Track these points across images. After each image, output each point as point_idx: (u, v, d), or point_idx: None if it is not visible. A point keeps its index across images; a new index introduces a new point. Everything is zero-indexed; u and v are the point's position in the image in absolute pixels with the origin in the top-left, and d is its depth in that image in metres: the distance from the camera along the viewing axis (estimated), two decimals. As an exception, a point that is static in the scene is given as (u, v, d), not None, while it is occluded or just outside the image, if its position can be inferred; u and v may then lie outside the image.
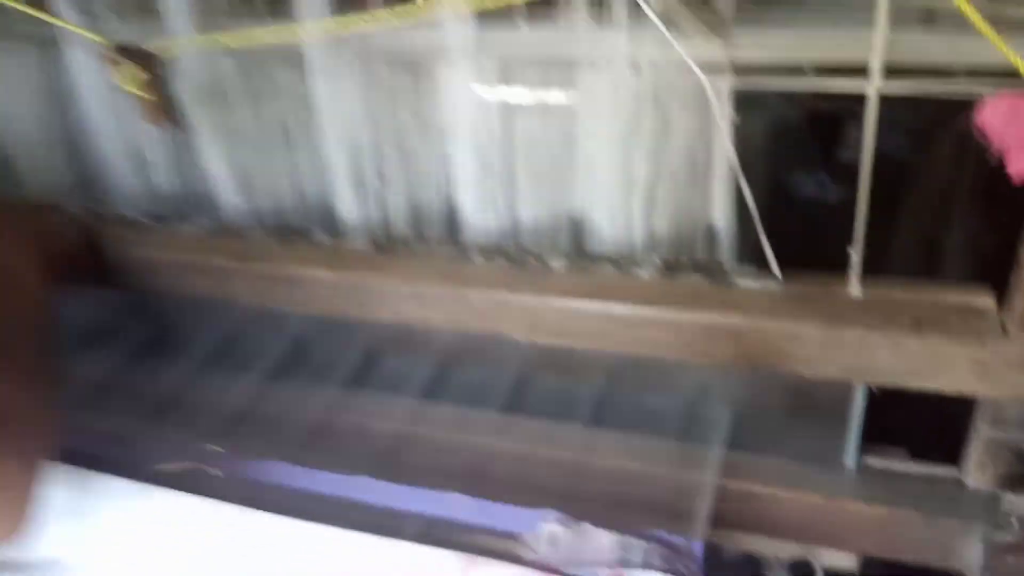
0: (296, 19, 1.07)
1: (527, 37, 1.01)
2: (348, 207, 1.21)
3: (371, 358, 1.25)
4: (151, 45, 1.12)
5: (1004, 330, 0.80)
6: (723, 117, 0.95)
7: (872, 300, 0.88)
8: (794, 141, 1.44)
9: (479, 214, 1.15)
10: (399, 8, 1.00)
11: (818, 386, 0.93)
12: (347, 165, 1.18)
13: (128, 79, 1.06)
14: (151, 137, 1.28)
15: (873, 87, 0.82)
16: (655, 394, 1.13)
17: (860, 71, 0.86)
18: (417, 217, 1.21)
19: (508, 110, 1.08)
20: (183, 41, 1.13)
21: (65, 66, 1.28)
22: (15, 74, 1.33)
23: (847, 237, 0.91)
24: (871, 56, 0.83)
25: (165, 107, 1.14)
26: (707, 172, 1.03)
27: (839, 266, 0.92)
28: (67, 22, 1.16)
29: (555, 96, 1.05)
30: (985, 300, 0.85)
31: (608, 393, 1.15)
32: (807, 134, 1.45)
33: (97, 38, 1.10)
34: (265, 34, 1.07)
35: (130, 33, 1.16)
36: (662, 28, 0.87)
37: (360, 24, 1.01)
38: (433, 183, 1.18)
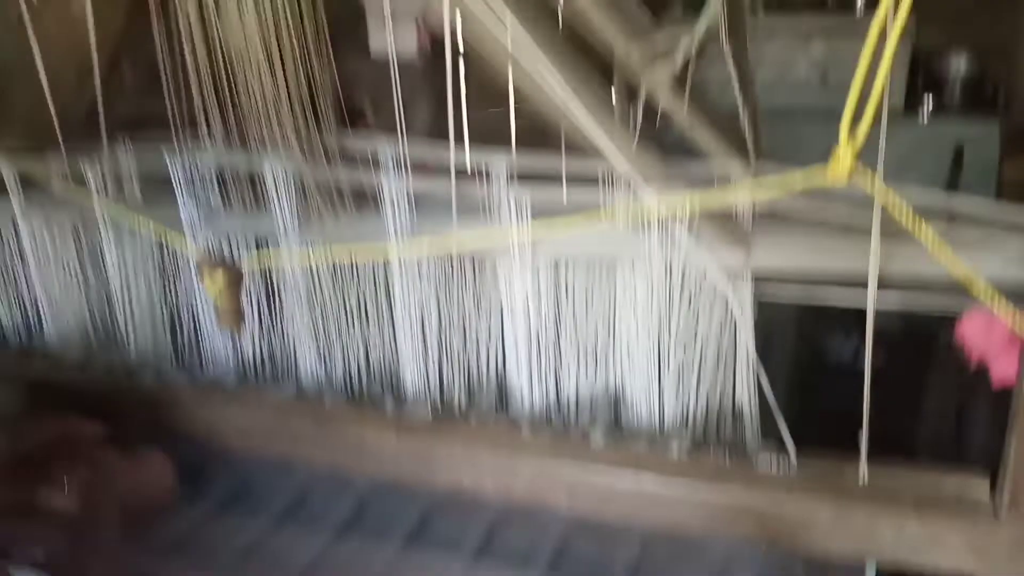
0: (383, 220, 1.27)
1: (576, 237, 1.19)
2: (412, 377, 1.36)
3: (425, 520, 1.36)
4: (239, 261, 1.31)
5: (995, 514, 0.89)
6: (744, 315, 1.10)
7: (877, 483, 0.98)
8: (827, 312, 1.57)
9: (528, 387, 1.29)
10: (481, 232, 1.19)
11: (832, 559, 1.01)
12: (414, 340, 1.35)
13: (213, 287, 1.24)
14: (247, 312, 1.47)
15: (870, 300, 0.97)
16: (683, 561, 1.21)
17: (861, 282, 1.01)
18: (472, 387, 1.36)
19: (558, 298, 1.24)
20: (284, 255, 1.33)
21: (178, 251, 1.50)
22: (134, 257, 1.56)
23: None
24: (869, 271, 0.98)
25: (239, 314, 1.31)
26: (732, 358, 1.17)
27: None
28: (168, 230, 1.39)
29: (599, 288, 1.22)
30: (980, 484, 0.95)
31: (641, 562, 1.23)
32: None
33: (194, 250, 1.29)
34: (357, 251, 1.26)
35: (239, 223, 1.38)
36: (692, 239, 1.03)
37: (444, 245, 1.20)
38: (488, 358, 1.34)
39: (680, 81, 1.07)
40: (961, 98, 3.53)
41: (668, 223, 1.09)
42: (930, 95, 3.56)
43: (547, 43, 1.13)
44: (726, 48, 1.02)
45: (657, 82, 1.07)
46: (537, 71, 1.08)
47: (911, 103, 3.54)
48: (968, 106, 3.41)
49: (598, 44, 1.14)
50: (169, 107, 1.47)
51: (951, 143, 3.22)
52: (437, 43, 3.00)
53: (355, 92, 2.11)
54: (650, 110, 1.13)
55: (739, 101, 1.07)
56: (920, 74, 3.64)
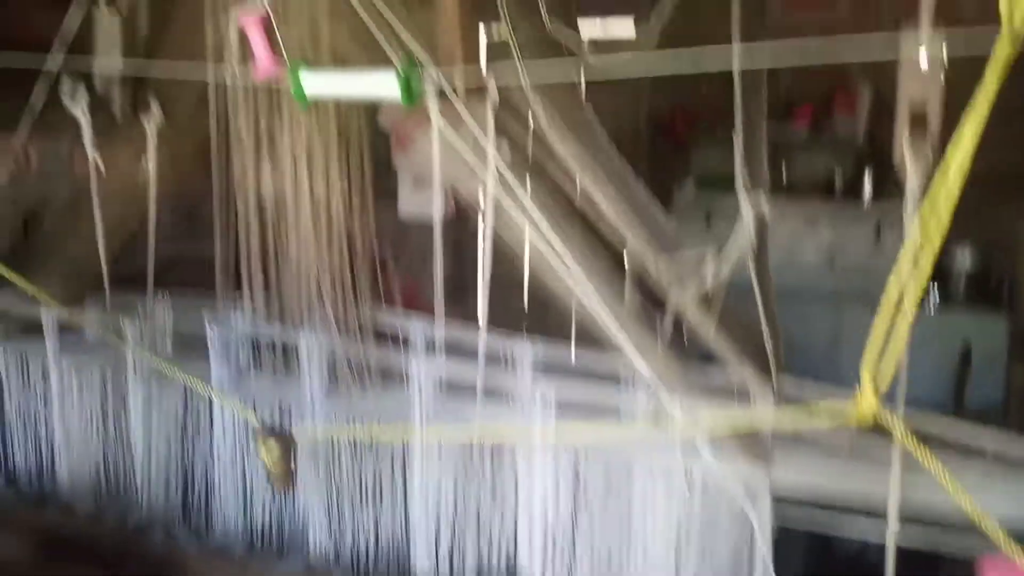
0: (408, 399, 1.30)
1: (597, 436, 1.21)
2: (421, 563, 1.35)
3: None
4: (293, 429, 1.33)
5: None
6: (762, 530, 1.10)
7: None
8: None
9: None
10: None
11: None
12: (426, 523, 1.35)
13: (268, 455, 1.26)
14: (261, 477, 1.48)
15: (890, 535, 0.98)
16: None
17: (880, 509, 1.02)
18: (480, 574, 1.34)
19: (576, 496, 1.25)
20: (320, 430, 1.35)
21: (201, 410, 1.52)
22: (158, 411, 1.58)
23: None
24: (888, 503, 0.99)
25: (292, 477, 1.32)
26: (750, 570, 1.16)
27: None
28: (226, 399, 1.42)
29: (617, 490, 1.23)
30: None
31: None
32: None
33: (254, 420, 1.32)
34: (384, 431, 1.29)
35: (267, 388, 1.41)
36: (713, 452, 1.05)
37: (466, 435, 1.23)
38: (499, 548, 1.33)
39: (707, 298, 1.13)
40: (966, 292, 3.62)
41: (690, 433, 1.11)
42: (935, 287, 3.65)
43: (580, 250, 1.20)
44: (752, 272, 1.08)
45: (685, 298, 1.12)
46: (568, 273, 1.15)
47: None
48: (974, 300, 3.49)
49: (629, 254, 1.21)
50: (216, 271, 1.55)
51: (957, 337, 3.28)
52: (463, 211, 3.14)
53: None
54: (676, 318, 1.18)
55: (762, 319, 1.12)
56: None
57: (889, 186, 3.74)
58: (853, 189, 3.79)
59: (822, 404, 0.88)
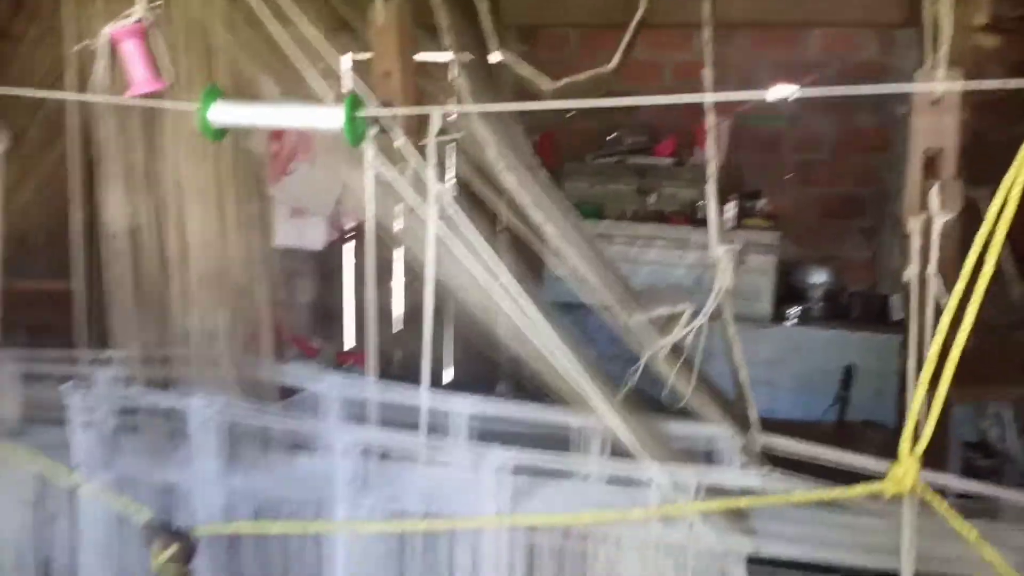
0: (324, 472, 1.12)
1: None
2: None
3: None
4: (190, 527, 1.11)
5: None
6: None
7: None
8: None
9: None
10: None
11: None
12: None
13: (159, 558, 1.04)
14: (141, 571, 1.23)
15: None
16: None
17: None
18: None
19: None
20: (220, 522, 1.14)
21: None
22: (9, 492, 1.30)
23: None
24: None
25: None
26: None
27: None
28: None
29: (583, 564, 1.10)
30: None
31: None
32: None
33: (140, 515, 1.09)
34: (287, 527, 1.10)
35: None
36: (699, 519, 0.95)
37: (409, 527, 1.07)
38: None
39: (678, 354, 1.04)
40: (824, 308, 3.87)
41: (671, 498, 1.01)
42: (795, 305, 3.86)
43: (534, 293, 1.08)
44: (731, 337, 1.01)
45: (657, 354, 1.02)
46: (532, 329, 1.02)
47: (778, 313, 3.82)
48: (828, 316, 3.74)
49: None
50: (80, 320, 1.30)
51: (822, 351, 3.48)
52: (343, 235, 2.95)
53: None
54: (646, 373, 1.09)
55: (737, 372, 1.05)
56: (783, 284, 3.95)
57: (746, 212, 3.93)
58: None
59: (857, 486, 0.79)
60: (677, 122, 3.91)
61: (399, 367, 1.13)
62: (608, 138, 4.36)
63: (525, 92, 1.12)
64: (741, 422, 1.08)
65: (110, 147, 1.22)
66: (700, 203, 4.07)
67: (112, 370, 1.29)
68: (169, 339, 1.30)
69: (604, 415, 1.04)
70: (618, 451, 1.08)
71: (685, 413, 1.10)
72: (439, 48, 1.06)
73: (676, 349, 1.05)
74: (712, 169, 1.02)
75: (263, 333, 1.36)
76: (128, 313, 1.28)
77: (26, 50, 1.25)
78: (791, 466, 1.10)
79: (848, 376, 2.98)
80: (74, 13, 1.14)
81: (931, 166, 0.82)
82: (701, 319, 1.02)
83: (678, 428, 1.12)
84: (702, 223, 3.92)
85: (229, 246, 1.28)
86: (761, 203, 4.15)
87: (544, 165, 3.99)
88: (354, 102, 0.90)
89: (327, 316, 4.18)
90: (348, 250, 3.69)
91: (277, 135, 2.25)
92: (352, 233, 2.74)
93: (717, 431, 1.08)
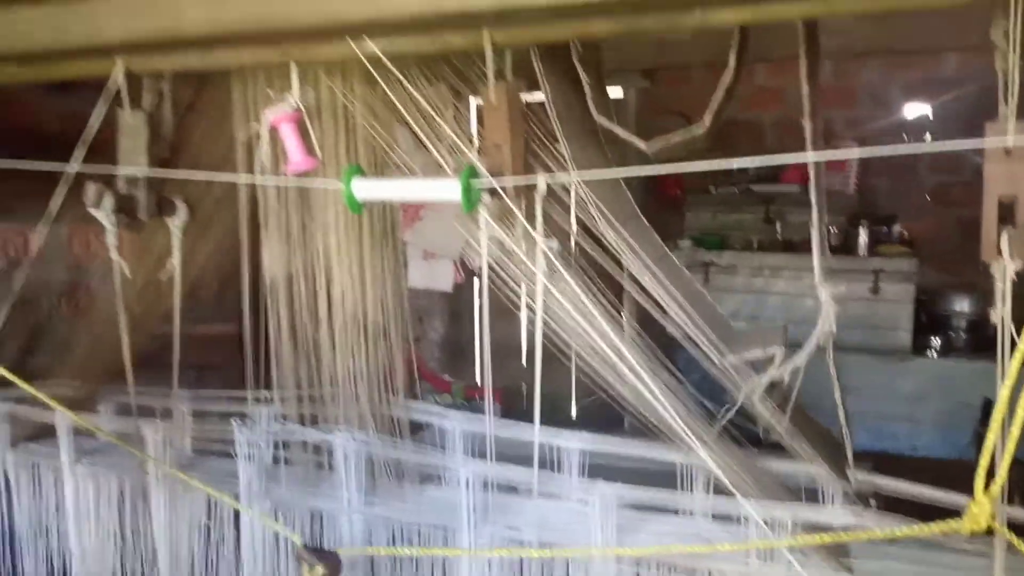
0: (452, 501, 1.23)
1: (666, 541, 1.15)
2: None
3: None
4: (338, 549, 1.25)
5: None
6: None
7: None
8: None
9: None
10: None
11: None
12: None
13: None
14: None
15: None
16: None
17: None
18: None
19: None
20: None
21: (226, 517, 1.45)
22: (181, 520, 1.50)
23: None
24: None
25: None
26: None
27: None
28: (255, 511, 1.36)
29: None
30: None
31: None
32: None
33: (295, 539, 1.25)
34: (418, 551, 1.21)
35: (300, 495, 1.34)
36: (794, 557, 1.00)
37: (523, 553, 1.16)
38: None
39: (778, 393, 1.09)
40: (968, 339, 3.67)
41: (768, 534, 1.06)
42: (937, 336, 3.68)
43: (634, 340, 1.16)
44: (832, 373, 1.05)
45: (754, 393, 1.08)
46: (631, 371, 1.11)
47: (918, 344, 3.66)
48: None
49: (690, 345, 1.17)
50: (245, 368, 1.49)
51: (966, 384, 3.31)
52: (469, 277, 3.13)
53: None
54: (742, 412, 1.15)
55: (841, 416, 1.09)
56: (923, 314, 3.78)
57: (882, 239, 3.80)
58: (849, 245, 3.84)
59: (934, 524, 0.83)
60: (803, 146, 3.85)
61: (529, 399, 1.25)
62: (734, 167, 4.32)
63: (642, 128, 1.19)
64: (840, 461, 1.12)
65: (271, 212, 1.41)
66: (831, 229, 3.98)
67: (271, 408, 1.48)
68: (318, 379, 1.47)
69: (700, 453, 1.10)
70: (722, 487, 1.14)
71: (784, 451, 1.15)
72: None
73: (775, 387, 1.11)
74: (815, 213, 1.07)
75: (398, 371, 1.51)
76: (284, 356, 1.47)
77: (205, 126, 1.46)
78: (899, 504, 1.13)
79: (987, 411, 2.83)
80: (243, 97, 1.34)
81: (1007, 213, 0.85)
82: (799, 361, 1.07)
83: (779, 466, 1.17)
84: (833, 250, 3.84)
85: (369, 293, 1.44)
86: (896, 228, 4.00)
87: (667, 198, 4.03)
88: (470, 174, 1.03)
89: (458, 352, 4.39)
90: (476, 289, 3.88)
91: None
92: (479, 273, 2.90)
93: (817, 469, 1.12)
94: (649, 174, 1.09)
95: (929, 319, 3.84)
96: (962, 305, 3.73)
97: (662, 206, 3.98)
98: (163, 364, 1.54)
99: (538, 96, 1.16)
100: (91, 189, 1.22)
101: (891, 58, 3.78)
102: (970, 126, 0.89)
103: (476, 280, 3.14)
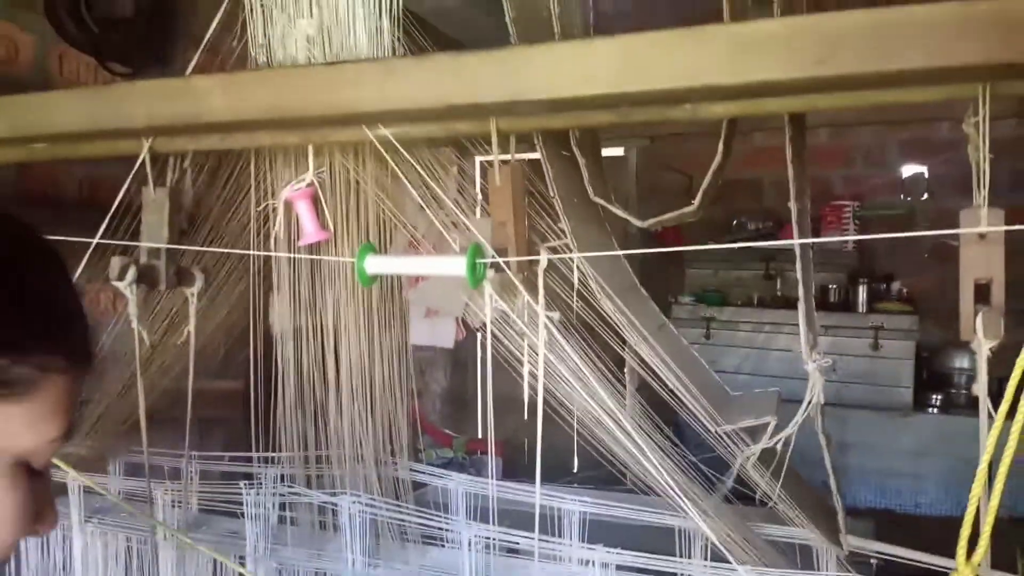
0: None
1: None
2: None
3: None
4: None
5: None
6: None
7: None
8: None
9: None
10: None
11: None
12: None
13: None
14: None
15: None
16: None
17: None
18: None
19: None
20: None
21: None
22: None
23: None
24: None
25: None
26: None
27: None
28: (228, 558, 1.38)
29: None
30: None
31: None
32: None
33: None
34: None
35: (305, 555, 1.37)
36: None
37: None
38: None
39: (771, 460, 1.13)
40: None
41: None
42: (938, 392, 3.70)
43: (632, 406, 1.21)
44: (821, 437, 1.09)
45: (746, 459, 1.12)
46: (626, 436, 1.15)
47: (920, 401, 3.67)
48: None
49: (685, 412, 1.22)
50: (250, 424, 1.53)
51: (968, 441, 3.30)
52: (473, 331, 3.18)
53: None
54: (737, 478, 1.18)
55: (831, 481, 1.12)
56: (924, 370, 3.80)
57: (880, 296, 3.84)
58: (848, 303, 3.89)
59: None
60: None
61: (530, 453, 1.28)
62: (733, 223, 4.40)
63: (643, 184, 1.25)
64: (835, 525, 1.15)
65: (283, 279, 1.47)
66: (831, 286, 4.04)
67: (276, 469, 1.51)
68: (325, 439, 1.51)
69: (698, 522, 1.14)
70: (718, 552, 1.18)
71: (778, 516, 1.19)
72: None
73: (768, 454, 1.15)
74: (801, 289, 1.12)
75: (402, 430, 1.55)
76: (290, 415, 1.51)
77: (223, 199, 1.53)
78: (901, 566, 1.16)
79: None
80: (259, 175, 1.41)
81: (983, 293, 0.90)
82: (789, 430, 1.11)
83: (773, 530, 1.20)
84: (834, 307, 3.90)
85: (375, 353, 1.49)
86: (896, 285, 4.05)
87: (669, 255, 4.04)
88: (475, 252, 1.09)
89: (459, 404, 4.41)
90: (479, 344, 3.91)
91: (414, 247, 2.51)
92: (480, 330, 2.95)
93: (809, 534, 1.15)
94: (647, 252, 1.14)
95: (930, 375, 3.87)
96: (962, 362, 3.76)
97: (663, 262, 4.05)
98: (168, 418, 1.58)
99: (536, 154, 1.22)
100: (116, 263, 1.27)
101: (885, 123, 3.88)
102: (966, 184, 0.94)
103: (478, 334, 3.19)
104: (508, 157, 1.15)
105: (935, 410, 3.71)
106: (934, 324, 3.88)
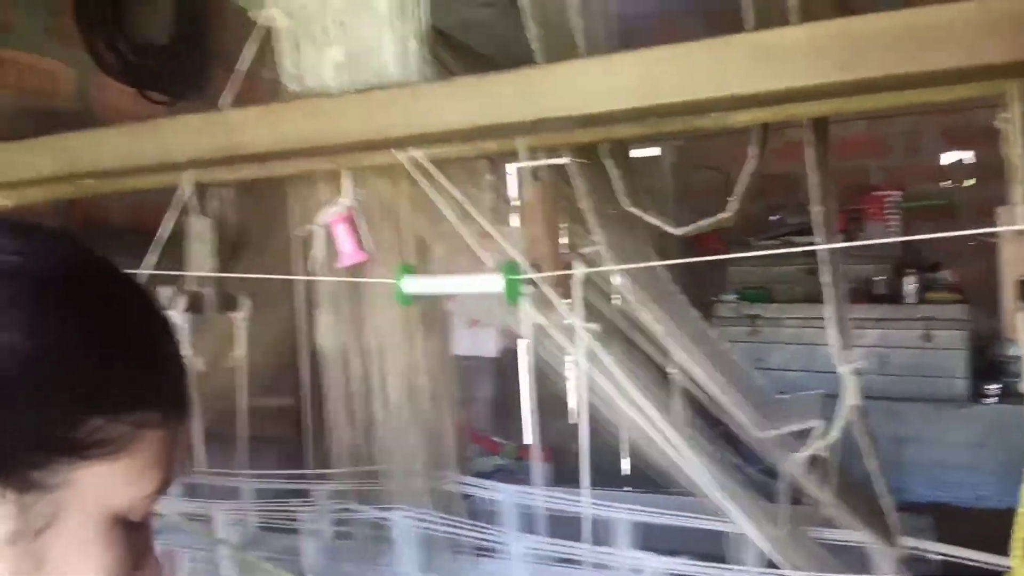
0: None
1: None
2: None
3: None
4: None
5: None
6: None
7: None
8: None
9: None
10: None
11: None
12: None
13: None
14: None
15: None
16: None
17: None
18: None
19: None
20: None
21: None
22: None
23: None
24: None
25: None
26: None
27: None
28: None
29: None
30: None
31: None
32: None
33: None
34: None
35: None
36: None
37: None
38: None
39: (819, 464, 1.12)
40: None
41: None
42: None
43: (678, 417, 1.21)
44: (863, 443, 1.08)
45: (794, 465, 1.12)
46: (664, 438, 1.15)
47: (975, 391, 3.58)
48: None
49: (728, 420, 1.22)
50: (302, 440, 1.56)
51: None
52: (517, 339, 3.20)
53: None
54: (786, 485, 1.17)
55: (875, 482, 1.11)
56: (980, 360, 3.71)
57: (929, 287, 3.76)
58: (895, 295, 3.81)
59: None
60: (843, 196, 3.86)
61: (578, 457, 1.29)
62: (771, 219, 4.33)
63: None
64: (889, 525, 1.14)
65: (326, 300, 1.50)
66: (877, 278, 3.96)
67: (330, 485, 1.54)
68: (376, 454, 1.54)
69: (749, 532, 1.14)
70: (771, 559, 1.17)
71: (831, 521, 1.18)
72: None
73: (816, 460, 1.14)
74: (829, 291, 1.11)
75: (449, 439, 1.57)
76: (341, 431, 1.54)
77: (264, 226, 1.57)
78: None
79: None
80: (298, 200, 1.44)
81: (1025, 291, 0.89)
82: (833, 435, 1.10)
83: (826, 534, 1.19)
84: (880, 299, 3.82)
85: (420, 369, 1.51)
86: (944, 275, 3.96)
87: (709, 252, 4.04)
88: (511, 269, 1.11)
89: (506, 411, 4.42)
90: (523, 350, 3.90)
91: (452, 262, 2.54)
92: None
93: (863, 536, 1.14)
94: (683, 263, 1.15)
95: (984, 365, 3.77)
96: (1020, 349, 3.65)
97: (703, 261, 4.01)
98: (219, 437, 1.62)
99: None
100: (164, 293, 1.32)
101: (923, 112, 3.80)
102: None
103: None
104: (541, 163, 1.16)
105: (991, 400, 3.61)
106: (985, 313, 3.78)
